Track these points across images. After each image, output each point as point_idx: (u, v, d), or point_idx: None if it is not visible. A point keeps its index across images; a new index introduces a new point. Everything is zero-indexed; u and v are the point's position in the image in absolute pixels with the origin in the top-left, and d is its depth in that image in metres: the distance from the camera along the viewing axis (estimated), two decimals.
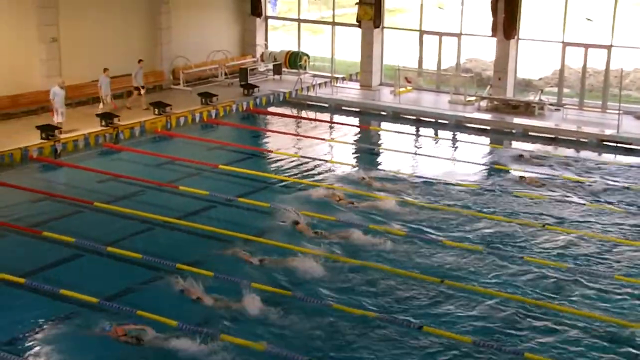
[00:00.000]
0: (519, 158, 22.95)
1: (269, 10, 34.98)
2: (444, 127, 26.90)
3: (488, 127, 26.73)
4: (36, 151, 21.94)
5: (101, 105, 25.43)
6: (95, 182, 20.54)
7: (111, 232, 17.14)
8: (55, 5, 25.80)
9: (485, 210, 18.82)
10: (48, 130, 22.77)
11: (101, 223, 17.78)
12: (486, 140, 25.70)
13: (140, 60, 27.02)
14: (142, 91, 26.78)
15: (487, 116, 27.29)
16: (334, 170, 21.62)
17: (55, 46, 25.91)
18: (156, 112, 25.86)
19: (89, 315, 13.42)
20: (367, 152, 24.29)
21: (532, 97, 28.35)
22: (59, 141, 22.57)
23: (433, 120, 27.54)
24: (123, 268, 15.47)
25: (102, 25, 27.81)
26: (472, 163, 22.62)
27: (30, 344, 12.77)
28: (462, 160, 22.88)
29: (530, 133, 25.93)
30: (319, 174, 21.25)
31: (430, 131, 26.75)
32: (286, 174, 21.16)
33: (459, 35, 30.10)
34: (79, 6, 26.91)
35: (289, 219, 17.42)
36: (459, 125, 26.89)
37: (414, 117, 27.86)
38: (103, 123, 24.24)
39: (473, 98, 28.76)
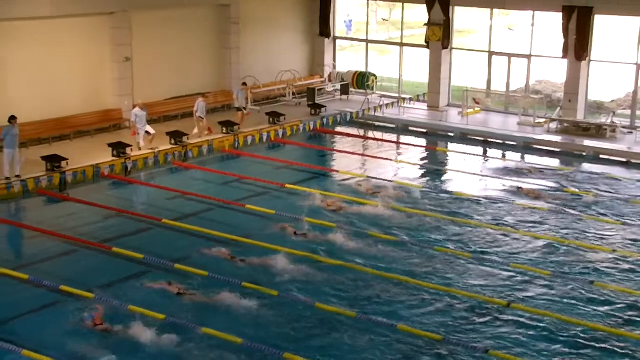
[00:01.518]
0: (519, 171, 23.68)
1: (343, 32, 35.11)
2: (512, 148, 26.58)
3: (558, 150, 26.31)
4: (107, 168, 22.40)
5: (195, 130, 25.80)
6: (164, 200, 20.86)
7: (178, 249, 17.36)
8: (128, 25, 26.40)
9: (552, 232, 18.54)
10: (119, 148, 23.25)
11: (169, 240, 18.03)
12: (555, 162, 25.27)
13: (244, 84, 27.76)
14: (244, 112, 27.23)
15: (557, 138, 26.86)
16: (399, 190, 21.50)
17: (127, 65, 26.49)
18: (224, 131, 26.18)
19: (153, 332, 13.62)
20: (434, 172, 24.11)
21: (603, 120, 27.80)
22: (129, 159, 23.01)
23: (501, 141, 27.23)
24: (190, 286, 15.59)
25: (173, 44, 28.36)
26: (540, 185, 22.26)
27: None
28: (529, 182, 22.51)
29: (601, 156, 25.43)
30: (385, 194, 21.14)
31: (498, 153, 26.42)
32: (353, 195, 21.12)
33: (528, 57, 29.77)
34: (151, 26, 27.50)
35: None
36: (527, 147, 26.53)
37: (481, 139, 27.59)
38: (172, 141, 24.63)
39: (543, 120, 28.35)
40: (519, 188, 21.56)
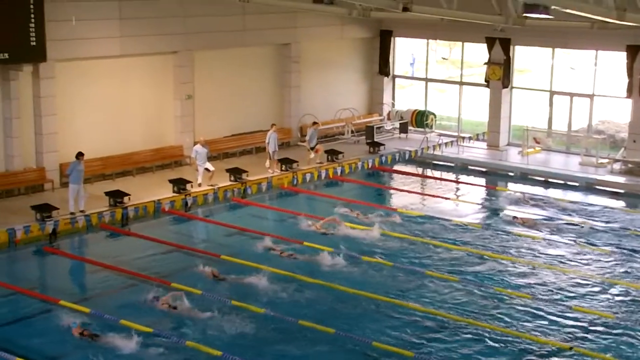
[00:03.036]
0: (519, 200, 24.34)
1: (404, 70, 35.07)
2: (574, 189, 26.17)
3: (621, 191, 25.81)
4: (168, 204, 22.67)
5: (267, 163, 26.09)
6: (223, 236, 21.02)
7: (237, 286, 17.40)
8: (191, 64, 26.90)
9: (615, 275, 18.19)
10: (180, 184, 23.55)
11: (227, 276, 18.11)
12: (619, 203, 24.77)
13: (314, 123, 27.95)
14: (315, 151, 27.28)
15: (620, 179, 26.37)
16: (460, 230, 21.35)
17: (190, 103, 26.93)
18: (283, 169, 26.34)
19: None
20: (494, 211, 23.85)
21: None
22: (189, 195, 23.28)
23: (562, 182, 26.85)
24: (250, 325, 15.55)
25: (234, 83, 28.73)
26: (604, 225, 21.86)
27: None
28: (592, 223, 22.14)
29: None
30: (445, 234, 21.01)
31: (559, 193, 26.00)
32: (410, 233, 21.00)
33: (591, 96, 29.40)
34: (212, 65, 27.95)
35: None
36: (590, 187, 26.10)
37: (542, 179, 27.24)
38: (232, 178, 24.86)
39: (606, 160, 27.89)
40: (514, 217, 22.20)
